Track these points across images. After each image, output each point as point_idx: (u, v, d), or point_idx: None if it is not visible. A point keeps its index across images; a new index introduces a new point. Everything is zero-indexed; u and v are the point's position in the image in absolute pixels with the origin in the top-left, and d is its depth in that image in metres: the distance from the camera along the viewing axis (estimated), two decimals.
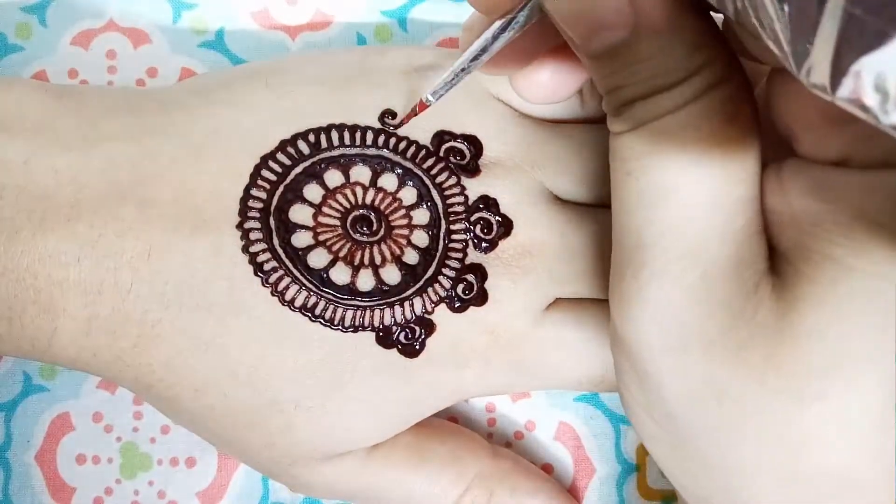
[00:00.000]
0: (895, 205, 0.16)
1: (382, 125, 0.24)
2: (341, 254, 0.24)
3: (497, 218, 0.24)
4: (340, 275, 0.23)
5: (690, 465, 0.20)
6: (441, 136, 0.25)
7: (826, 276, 0.17)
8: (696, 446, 0.19)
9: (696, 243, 0.18)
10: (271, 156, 0.24)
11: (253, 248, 0.23)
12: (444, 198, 0.24)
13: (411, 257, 0.24)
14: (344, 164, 0.24)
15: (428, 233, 0.24)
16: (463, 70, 0.21)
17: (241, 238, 0.23)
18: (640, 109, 0.18)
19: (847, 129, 0.17)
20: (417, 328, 0.24)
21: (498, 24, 0.20)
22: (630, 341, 0.19)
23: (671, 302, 0.18)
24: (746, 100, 0.18)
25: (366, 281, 0.24)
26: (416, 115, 0.23)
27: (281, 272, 0.23)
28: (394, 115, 0.24)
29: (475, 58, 0.20)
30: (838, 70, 0.12)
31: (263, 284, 0.23)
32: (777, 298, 0.18)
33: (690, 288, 0.18)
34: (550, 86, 0.21)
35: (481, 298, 0.24)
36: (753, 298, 0.18)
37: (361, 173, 0.24)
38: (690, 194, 0.18)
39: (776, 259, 0.18)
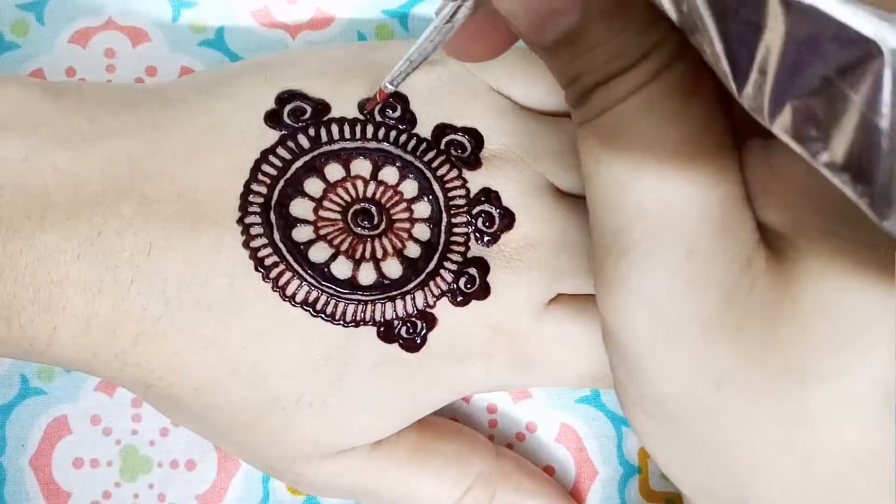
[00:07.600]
0: None
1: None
2: (342, 248, 0.23)
3: (499, 211, 0.24)
4: (342, 269, 0.23)
5: (690, 457, 0.19)
6: (441, 129, 0.25)
7: (826, 250, 0.16)
8: (695, 437, 0.18)
9: (675, 220, 0.17)
10: (271, 150, 0.24)
11: (254, 244, 0.23)
12: (445, 191, 0.24)
13: (413, 251, 0.24)
14: (344, 158, 0.24)
15: (429, 226, 0.24)
16: (419, 55, 0.21)
17: (242, 233, 0.23)
18: (600, 96, 0.17)
19: None
20: (419, 322, 0.24)
21: (449, 7, 0.19)
22: (619, 332, 0.18)
23: (658, 285, 0.17)
24: (705, 75, 0.17)
25: (367, 275, 0.23)
26: (377, 102, 0.23)
27: (282, 267, 0.23)
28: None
29: (430, 43, 0.20)
30: (776, 104, 0.13)
31: (264, 279, 0.23)
32: (773, 274, 0.17)
33: (676, 268, 0.17)
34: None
35: (483, 292, 0.24)
36: (748, 274, 0.17)
37: (362, 167, 0.24)
38: (661, 173, 0.17)
39: (767, 234, 0.18)
